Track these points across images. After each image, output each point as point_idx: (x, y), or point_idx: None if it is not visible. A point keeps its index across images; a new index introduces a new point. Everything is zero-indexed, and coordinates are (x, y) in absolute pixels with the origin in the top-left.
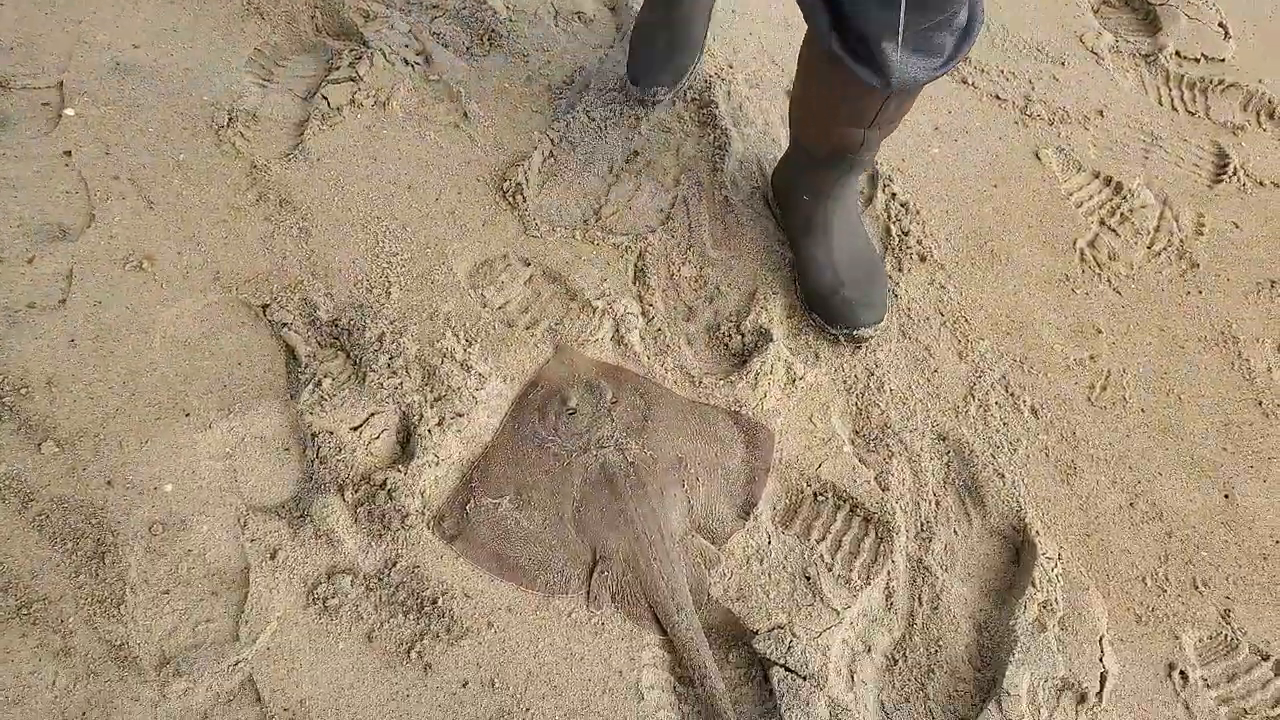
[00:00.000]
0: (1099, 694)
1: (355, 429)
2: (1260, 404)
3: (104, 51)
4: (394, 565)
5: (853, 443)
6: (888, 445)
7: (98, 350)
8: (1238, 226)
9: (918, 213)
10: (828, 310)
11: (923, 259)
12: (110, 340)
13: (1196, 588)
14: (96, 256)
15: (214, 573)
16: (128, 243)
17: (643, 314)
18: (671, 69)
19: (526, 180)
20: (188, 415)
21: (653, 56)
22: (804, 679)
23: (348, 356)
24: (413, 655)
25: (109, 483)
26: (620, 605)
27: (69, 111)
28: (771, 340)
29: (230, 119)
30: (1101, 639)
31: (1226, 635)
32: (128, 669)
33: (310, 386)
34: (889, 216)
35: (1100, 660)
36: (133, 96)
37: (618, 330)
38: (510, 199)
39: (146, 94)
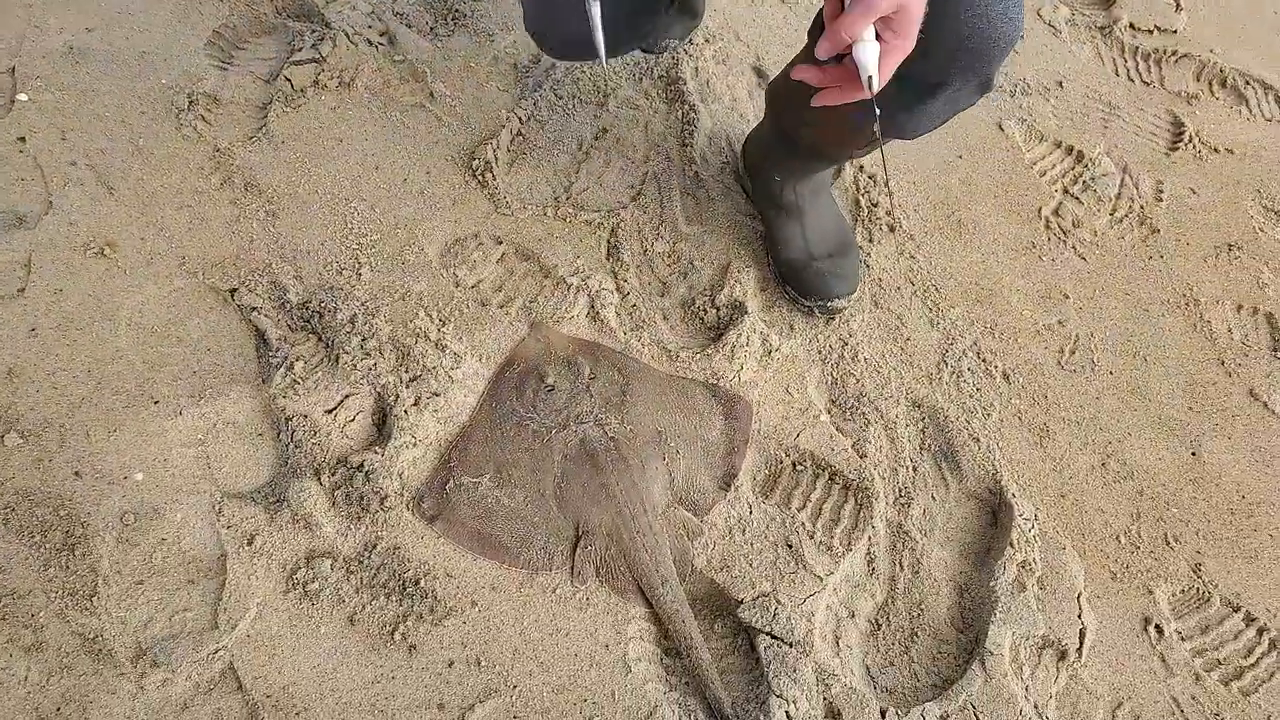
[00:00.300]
0: (1079, 650)
1: (330, 412)
2: (1222, 363)
3: (56, 36)
4: (374, 547)
5: (829, 412)
6: (864, 413)
7: (61, 339)
8: (1195, 192)
9: (885, 184)
10: (801, 283)
11: (892, 229)
12: (73, 329)
13: (1168, 543)
14: (56, 244)
15: (190, 561)
16: (88, 229)
17: (617, 290)
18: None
19: (495, 159)
20: (156, 403)
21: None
22: (790, 646)
23: (319, 339)
24: (396, 637)
25: (77, 473)
26: (605, 579)
27: (22, 97)
28: (746, 313)
29: (190, 102)
30: (1079, 596)
31: (1198, 589)
32: (103, 662)
33: (282, 370)
34: (858, 189)
35: (1079, 617)
36: (88, 81)
37: (593, 307)
38: (480, 178)
39: (102, 78)
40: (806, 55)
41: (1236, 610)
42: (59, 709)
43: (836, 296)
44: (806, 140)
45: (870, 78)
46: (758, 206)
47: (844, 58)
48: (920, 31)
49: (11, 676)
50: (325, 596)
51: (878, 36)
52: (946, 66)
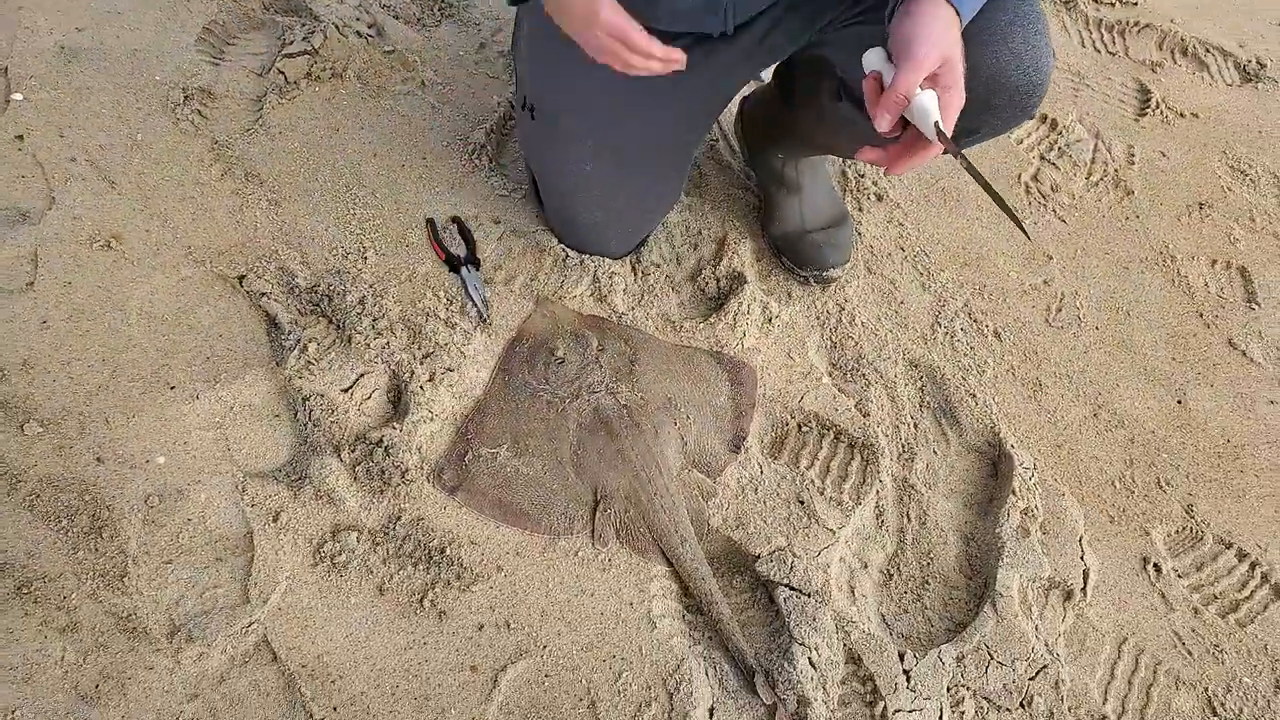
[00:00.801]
0: (1083, 589)
1: (346, 390)
2: (1201, 315)
3: (47, 36)
4: (398, 519)
5: (830, 375)
6: (864, 375)
7: (73, 330)
8: (1165, 155)
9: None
10: (796, 254)
11: (880, 199)
12: (84, 320)
13: (1161, 487)
14: (61, 238)
15: (216, 540)
16: (92, 223)
17: (629, 262)
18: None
19: (490, 142)
20: (173, 388)
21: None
22: (808, 596)
23: (330, 321)
24: (425, 604)
25: (99, 459)
26: (625, 541)
27: (17, 96)
28: (745, 283)
29: (185, 97)
30: (1081, 539)
31: (1191, 528)
32: (138, 639)
33: (296, 352)
34: (844, 160)
35: (1081, 559)
36: (81, 80)
37: (597, 282)
38: (475, 161)
39: (95, 76)
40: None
41: (1229, 547)
42: (97, 686)
43: (831, 266)
44: (811, 135)
45: (936, 122)
46: (758, 179)
47: (904, 132)
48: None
49: (48, 658)
50: (353, 568)
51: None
52: (983, 115)
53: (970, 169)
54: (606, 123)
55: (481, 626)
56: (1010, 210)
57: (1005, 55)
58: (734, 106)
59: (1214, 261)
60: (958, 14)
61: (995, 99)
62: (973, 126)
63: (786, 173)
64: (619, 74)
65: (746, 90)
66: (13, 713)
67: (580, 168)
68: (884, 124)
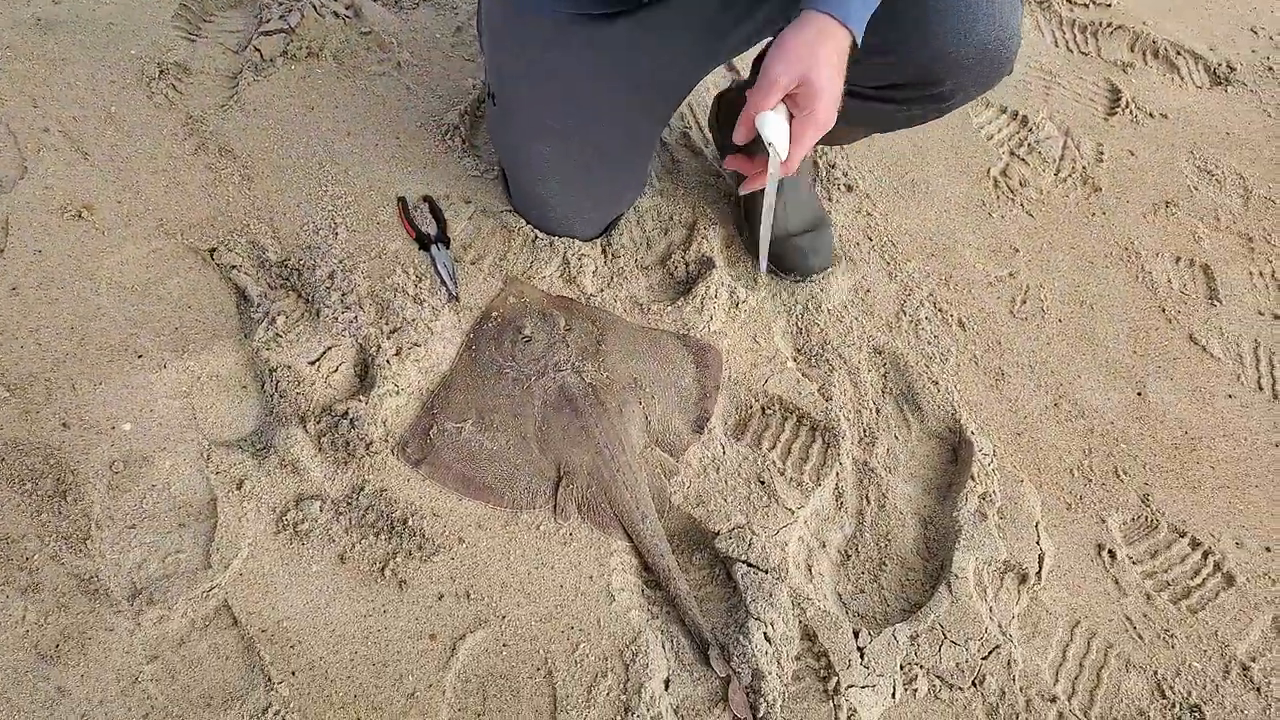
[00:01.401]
0: (1038, 573)
1: (313, 363)
2: (1164, 310)
3: (24, 8)
4: (362, 490)
5: (795, 360)
6: (828, 360)
7: (42, 298)
8: (1133, 154)
9: (841, 147)
10: (779, 259)
11: (849, 189)
12: (54, 288)
13: (1118, 476)
14: (32, 206)
15: (180, 506)
16: (64, 193)
17: (599, 244)
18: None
19: (463, 124)
20: (140, 357)
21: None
22: (765, 572)
23: (299, 295)
24: (386, 573)
25: (64, 424)
26: (586, 516)
27: None
28: (714, 267)
29: (161, 71)
30: (1037, 524)
31: (1147, 517)
32: (99, 601)
33: (264, 324)
34: (815, 151)
35: (1037, 544)
36: (57, 51)
37: (566, 264)
38: (448, 142)
39: (71, 48)
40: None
41: (1183, 535)
42: (58, 646)
43: (813, 271)
44: None
45: (771, 144)
46: (736, 183)
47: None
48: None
49: (9, 617)
50: (315, 536)
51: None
52: (958, 74)
53: (767, 200)
54: (561, 111)
55: (441, 596)
56: (760, 247)
57: (971, 8)
58: (699, 112)
59: (1178, 258)
60: (844, 27)
61: (965, 56)
62: (951, 89)
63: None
64: (570, 60)
65: (718, 86)
66: None
67: (540, 152)
68: (738, 139)
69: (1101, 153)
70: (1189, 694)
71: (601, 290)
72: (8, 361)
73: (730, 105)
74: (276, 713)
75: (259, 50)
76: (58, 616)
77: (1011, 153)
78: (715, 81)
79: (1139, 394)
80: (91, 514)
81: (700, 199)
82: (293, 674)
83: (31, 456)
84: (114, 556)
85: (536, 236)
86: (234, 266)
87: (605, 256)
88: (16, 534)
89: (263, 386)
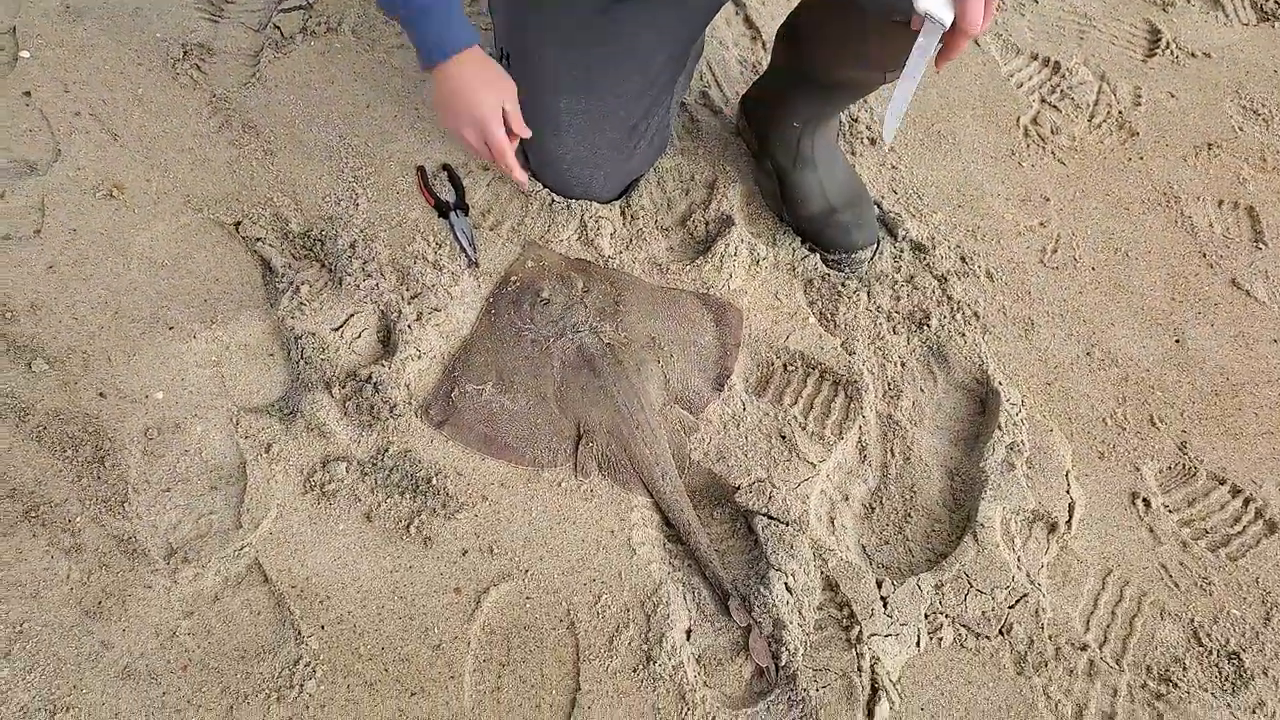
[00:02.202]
0: (1068, 522)
1: (336, 329)
2: (1204, 255)
3: None
4: (386, 451)
5: (817, 316)
6: (852, 316)
7: (77, 274)
8: (1173, 96)
9: (864, 100)
10: (823, 237)
11: (873, 142)
12: (88, 265)
13: (1153, 424)
14: (66, 188)
15: (212, 469)
16: (96, 173)
17: (618, 207)
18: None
19: None
20: (171, 329)
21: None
22: (786, 525)
23: (322, 265)
24: (411, 530)
25: (101, 394)
26: (607, 473)
27: (24, 54)
28: (733, 225)
29: (185, 53)
30: (1067, 474)
31: (1184, 464)
32: (138, 560)
33: (289, 294)
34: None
35: (1067, 493)
36: (85, 38)
37: (584, 226)
38: None
39: (98, 35)
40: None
41: (1223, 483)
42: (100, 602)
43: (860, 247)
44: (831, 73)
45: (928, 15)
46: (773, 160)
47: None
48: None
49: (55, 575)
50: (342, 496)
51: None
52: None
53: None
54: (576, 57)
55: (465, 552)
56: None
57: None
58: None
59: (1221, 202)
60: None
61: None
62: None
63: (803, 148)
64: (581, 13)
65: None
66: (22, 625)
67: (556, 106)
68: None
69: (1139, 96)
70: (1227, 641)
71: (620, 252)
72: (47, 336)
73: (755, 104)
74: (307, 664)
75: (279, 28)
76: (99, 575)
77: (1043, 100)
78: (735, 40)
79: (1177, 341)
80: (128, 478)
81: (720, 158)
82: (322, 628)
83: (71, 425)
84: (150, 518)
85: (554, 200)
86: (259, 239)
87: (624, 218)
88: (59, 498)
89: (289, 354)
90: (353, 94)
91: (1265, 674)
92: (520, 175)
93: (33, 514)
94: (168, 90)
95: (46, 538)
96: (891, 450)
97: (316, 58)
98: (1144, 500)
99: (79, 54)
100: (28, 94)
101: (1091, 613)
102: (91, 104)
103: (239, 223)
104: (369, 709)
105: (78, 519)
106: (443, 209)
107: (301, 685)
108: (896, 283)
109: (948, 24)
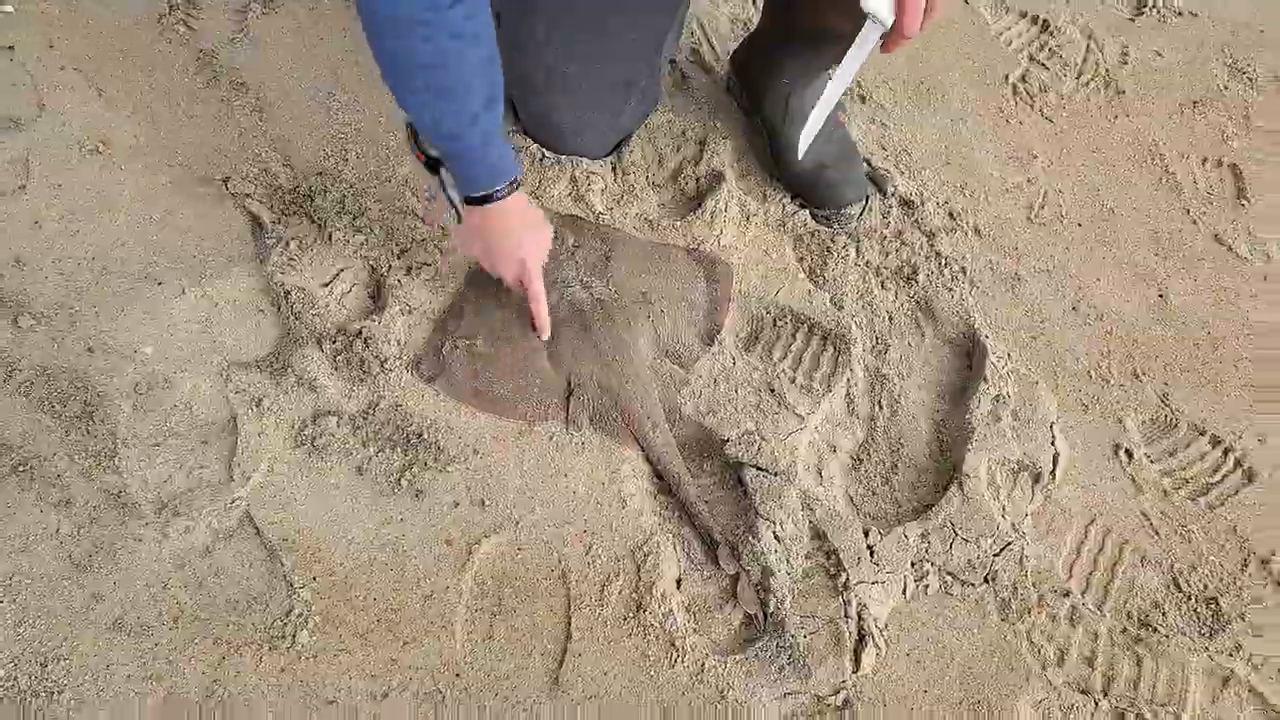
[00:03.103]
0: (1052, 473)
1: (326, 285)
2: (1188, 212)
3: None
4: (377, 406)
5: (807, 271)
6: (841, 272)
7: (63, 230)
8: (1160, 54)
9: None
10: (814, 193)
11: (863, 99)
12: (75, 220)
13: (1137, 377)
14: (51, 143)
15: (202, 424)
16: (81, 129)
17: (609, 163)
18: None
19: None
20: (160, 284)
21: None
22: (774, 475)
23: (312, 220)
24: (403, 483)
25: (89, 349)
26: (598, 427)
27: (7, 8)
28: (724, 181)
29: (171, 8)
30: (1052, 425)
31: (1166, 416)
32: (128, 514)
33: (278, 249)
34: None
35: (1052, 444)
36: None
37: (574, 183)
38: None
39: None
40: None
41: (1203, 434)
42: (90, 556)
43: (850, 202)
44: (818, 21)
45: (872, 15)
46: (763, 116)
47: None
48: None
49: (44, 529)
50: (333, 450)
51: None
52: None
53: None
54: (565, 15)
55: (457, 504)
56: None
57: None
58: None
59: (1205, 159)
60: None
61: None
62: None
63: (792, 102)
64: None
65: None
66: (11, 579)
67: (546, 61)
68: None
69: (1126, 55)
70: (1205, 587)
71: (610, 208)
72: (34, 291)
73: (746, 60)
74: (299, 615)
75: None
76: (90, 529)
77: (1031, 58)
78: (730, 14)
79: (1160, 295)
80: (118, 433)
81: (711, 114)
82: (314, 579)
83: (59, 380)
84: (141, 472)
85: (544, 156)
86: (247, 194)
87: (615, 174)
88: (48, 453)
89: (278, 309)
90: (341, 50)
91: (1242, 618)
92: (544, 327)
93: (21, 468)
94: (154, 45)
95: (35, 492)
96: (879, 403)
97: (305, 14)
98: (1126, 451)
99: (63, 8)
100: (11, 49)
101: (1074, 560)
102: (76, 59)
103: (227, 179)
104: (361, 659)
105: (66, 473)
106: (433, 165)
107: (294, 636)
108: (885, 238)
109: (888, 25)
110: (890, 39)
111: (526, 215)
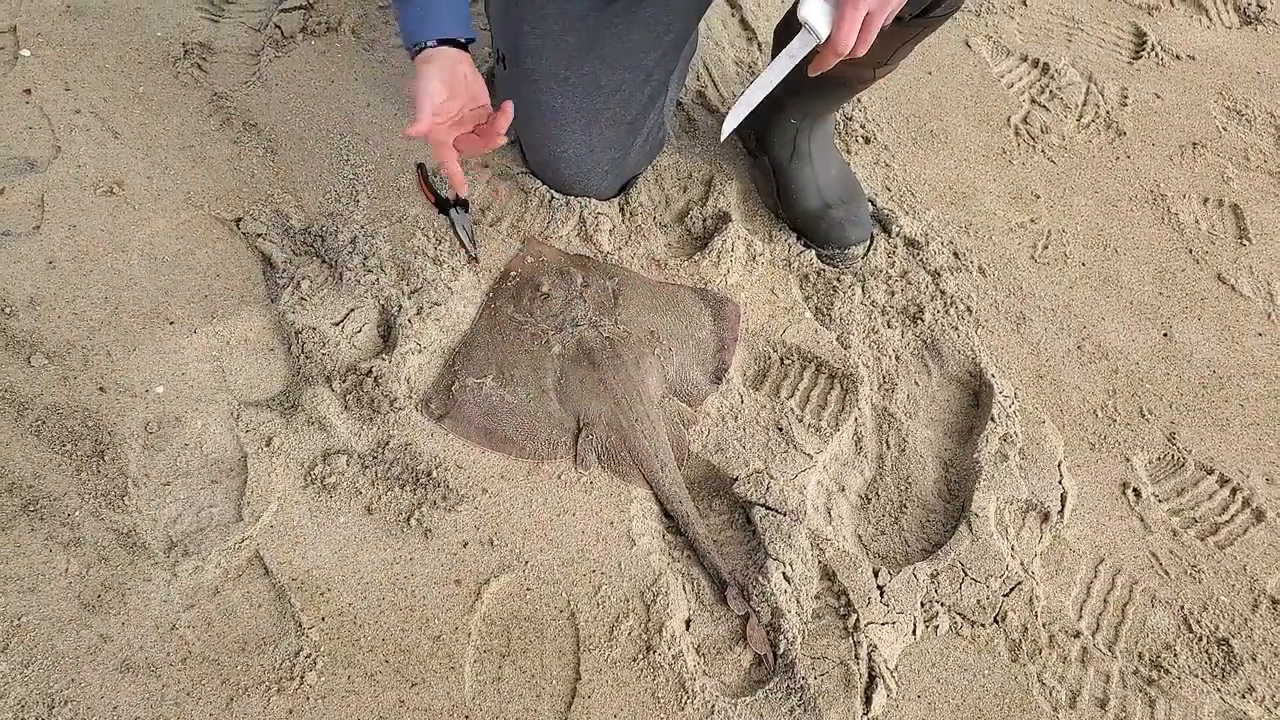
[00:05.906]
0: (1061, 512)
1: (337, 324)
2: (1191, 251)
3: None
4: (386, 445)
5: (814, 310)
6: (847, 311)
7: (77, 270)
8: (1159, 97)
9: (858, 100)
10: (818, 233)
11: (867, 141)
12: (88, 260)
13: (1143, 416)
14: (66, 184)
15: (212, 463)
16: (96, 171)
17: (616, 204)
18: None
19: None
20: (172, 324)
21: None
22: (784, 515)
23: (323, 261)
24: (412, 523)
25: (101, 389)
26: (606, 465)
27: (25, 53)
28: (730, 221)
29: (185, 51)
30: (1059, 464)
31: (1173, 455)
32: (138, 553)
33: (290, 289)
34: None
35: (1060, 483)
36: (86, 36)
37: (583, 222)
38: None
39: (99, 33)
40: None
41: (1210, 473)
42: (99, 596)
43: (853, 243)
44: (829, 74)
45: (806, 22)
46: (770, 157)
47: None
48: None
49: (53, 569)
50: (343, 489)
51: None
52: None
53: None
54: (570, 57)
55: (466, 544)
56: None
57: None
58: (713, 71)
59: (1206, 199)
60: None
61: None
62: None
63: (799, 143)
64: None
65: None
66: (20, 619)
67: (552, 104)
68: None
69: (1126, 97)
70: (1216, 628)
71: (619, 248)
72: (46, 330)
73: (765, 103)
74: (307, 656)
75: (279, 27)
76: (99, 569)
77: (1033, 100)
78: (731, 41)
79: (1165, 334)
80: (128, 472)
81: (717, 156)
82: (322, 620)
83: (70, 419)
84: (150, 512)
85: (553, 197)
86: (259, 235)
87: (623, 215)
88: (59, 492)
89: (289, 348)
90: (352, 92)
91: (1254, 659)
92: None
93: (30, 508)
94: (168, 89)
95: (45, 531)
96: (887, 442)
97: (317, 57)
98: (1134, 490)
99: (80, 53)
100: (28, 91)
101: (1084, 600)
102: (92, 102)
103: (239, 219)
104: (370, 700)
105: (77, 513)
106: (443, 205)
107: (302, 677)
108: (890, 278)
109: (822, 38)
110: (824, 52)
111: (454, 69)
